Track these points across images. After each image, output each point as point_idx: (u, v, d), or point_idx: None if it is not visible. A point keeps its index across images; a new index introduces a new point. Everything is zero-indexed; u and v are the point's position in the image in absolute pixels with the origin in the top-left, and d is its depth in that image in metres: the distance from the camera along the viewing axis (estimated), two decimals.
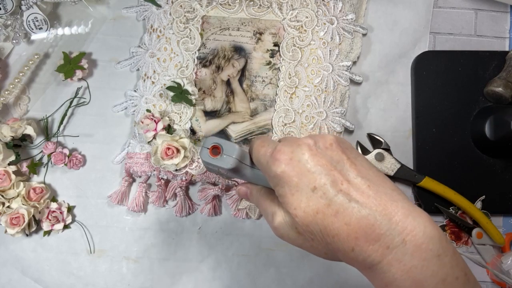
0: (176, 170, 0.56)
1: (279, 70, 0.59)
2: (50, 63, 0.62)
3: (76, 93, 0.61)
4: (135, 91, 0.61)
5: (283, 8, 0.60)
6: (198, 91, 0.59)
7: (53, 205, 0.58)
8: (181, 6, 0.61)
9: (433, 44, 0.62)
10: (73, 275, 0.58)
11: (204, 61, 0.60)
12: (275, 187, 0.37)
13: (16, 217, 0.55)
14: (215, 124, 0.59)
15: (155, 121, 0.57)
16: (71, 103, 0.61)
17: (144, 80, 0.60)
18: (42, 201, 0.58)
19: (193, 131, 0.59)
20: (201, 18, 0.61)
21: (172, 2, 0.61)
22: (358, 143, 0.60)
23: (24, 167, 0.59)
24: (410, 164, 0.60)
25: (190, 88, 0.58)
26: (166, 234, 0.59)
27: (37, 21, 0.59)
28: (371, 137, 0.60)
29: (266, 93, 0.59)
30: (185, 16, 0.60)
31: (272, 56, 0.60)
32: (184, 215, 0.59)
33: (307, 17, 0.60)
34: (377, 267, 0.33)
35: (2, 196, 0.56)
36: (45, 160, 0.60)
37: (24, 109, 0.61)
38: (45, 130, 0.60)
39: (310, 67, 0.59)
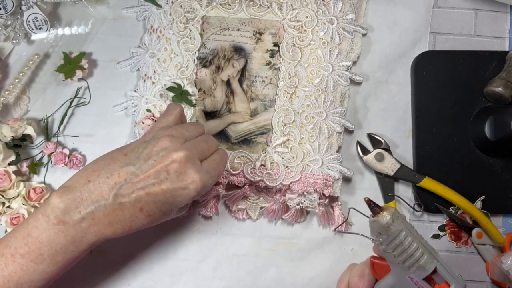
0: None
1: (279, 70, 0.59)
2: (50, 63, 0.62)
3: (76, 93, 0.61)
4: (135, 91, 0.61)
5: (283, 8, 0.60)
6: (198, 91, 0.59)
7: None
8: (181, 6, 0.61)
9: (433, 44, 0.62)
10: (73, 275, 0.58)
11: (204, 61, 0.60)
12: None
13: (16, 217, 0.55)
14: (215, 124, 0.59)
15: (155, 121, 0.57)
16: (71, 103, 0.61)
17: (144, 80, 0.60)
18: (42, 201, 0.57)
19: None
20: (201, 18, 0.61)
21: (172, 2, 0.61)
22: (358, 143, 0.60)
23: (24, 167, 0.59)
24: (410, 164, 0.60)
25: (190, 88, 0.58)
26: (166, 234, 0.59)
27: (37, 21, 0.59)
28: (371, 137, 0.60)
29: (266, 93, 0.59)
30: (185, 16, 0.60)
31: (272, 56, 0.60)
32: (184, 215, 0.59)
33: (307, 17, 0.60)
34: None
35: (2, 196, 0.56)
36: (45, 160, 0.60)
37: (24, 109, 0.61)
38: (45, 130, 0.60)
39: (310, 67, 0.59)
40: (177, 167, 0.45)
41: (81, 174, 0.46)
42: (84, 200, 0.44)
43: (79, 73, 0.60)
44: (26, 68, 0.60)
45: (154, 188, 0.44)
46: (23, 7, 0.59)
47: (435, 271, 0.46)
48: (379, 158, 0.58)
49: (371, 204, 0.45)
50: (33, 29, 0.59)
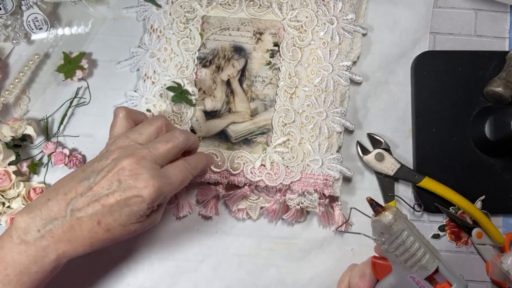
0: None
1: (279, 70, 0.59)
2: (50, 63, 0.62)
3: (76, 93, 0.61)
4: (135, 91, 0.61)
5: (283, 8, 0.60)
6: (198, 91, 0.59)
7: None
8: (181, 6, 0.61)
9: (433, 44, 0.62)
10: (73, 275, 0.58)
11: (204, 61, 0.60)
12: None
13: None
14: (215, 124, 0.59)
15: None
16: (71, 103, 0.61)
17: (144, 80, 0.60)
18: None
19: (193, 131, 0.59)
20: (201, 18, 0.61)
21: (172, 2, 0.61)
22: (358, 143, 0.60)
23: (24, 167, 0.59)
24: (410, 164, 0.60)
25: (190, 88, 0.58)
26: (166, 234, 0.59)
27: (37, 21, 0.59)
28: (371, 137, 0.60)
29: (266, 93, 0.59)
30: (185, 16, 0.60)
31: (272, 56, 0.60)
32: (184, 215, 0.59)
33: (307, 17, 0.60)
34: None
35: (2, 196, 0.56)
36: (45, 160, 0.60)
37: (24, 109, 0.61)
38: (45, 130, 0.60)
39: (310, 67, 0.59)
40: (127, 174, 0.44)
41: (43, 194, 0.47)
42: (43, 219, 0.44)
43: (79, 73, 0.60)
44: (26, 68, 0.60)
45: (108, 199, 0.44)
46: (23, 7, 0.59)
47: (437, 270, 0.46)
48: (379, 158, 0.59)
49: (373, 203, 0.45)
50: (33, 29, 0.59)
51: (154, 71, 0.60)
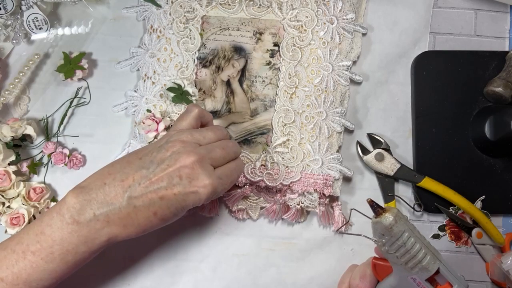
0: None
1: (279, 70, 0.59)
2: (50, 63, 0.62)
3: (76, 93, 0.61)
4: (135, 91, 0.61)
5: (283, 8, 0.60)
6: (198, 91, 0.59)
7: None
8: (181, 6, 0.61)
9: (433, 44, 0.62)
10: (73, 275, 0.58)
11: (204, 62, 0.60)
12: None
13: (16, 217, 0.55)
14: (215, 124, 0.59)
15: (156, 121, 0.57)
16: (71, 103, 0.61)
17: (144, 80, 0.60)
18: (42, 201, 0.58)
19: None
20: (201, 18, 0.61)
21: (172, 2, 0.61)
22: (358, 143, 0.60)
23: (24, 167, 0.59)
24: (410, 164, 0.60)
25: (190, 89, 0.58)
26: (166, 234, 0.59)
27: (37, 21, 0.59)
28: (371, 137, 0.60)
29: (266, 93, 0.59)
30: (185, 16, 0.60)
31: (272, 56, 0.60)
32: (184, 215, 0.59)
33: (307, 16, 0.60)
34: None
35: (2, 196, 0.56)
36: (45, 160, 0.60)
37: (24, 109, 0.61)
38: (45, 130, 0.60)
39: (310, 67, 0.59)
40: (189, 172, 0.45)
41: (97, 176, 0.47)
42: (99, 202, 0.45)
43: (79, 73, 0.60)
44: (26, 68, 0.60)
45: (167, 192, 0.45)
46: (23, 7, 0.58)
47: (437, 271, 0.46)
48: (379, 158, 0.59)
49: (373, 205, 0.45)
50: (33, 29, 0.59)
51: (154, 71, 0.60)
